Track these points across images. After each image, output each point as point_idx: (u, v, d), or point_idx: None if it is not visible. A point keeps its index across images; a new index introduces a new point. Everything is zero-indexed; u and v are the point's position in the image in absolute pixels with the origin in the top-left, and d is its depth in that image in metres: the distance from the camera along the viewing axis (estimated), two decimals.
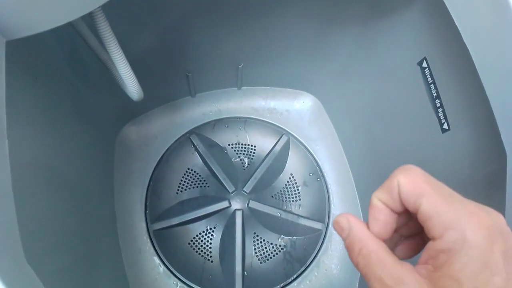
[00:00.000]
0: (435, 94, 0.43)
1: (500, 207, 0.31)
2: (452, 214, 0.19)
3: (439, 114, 0.43)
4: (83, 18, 0.29)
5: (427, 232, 0.20)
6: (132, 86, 0.38)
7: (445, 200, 0.20)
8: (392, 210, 0.22)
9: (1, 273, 0.22)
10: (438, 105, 0.43)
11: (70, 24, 0.33)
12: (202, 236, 0.66)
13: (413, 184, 0.21)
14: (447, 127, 0.42)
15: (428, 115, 0.45)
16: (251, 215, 0.67)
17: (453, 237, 0.19)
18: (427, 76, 0.44)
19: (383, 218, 0.22)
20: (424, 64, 0.44)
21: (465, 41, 0.33)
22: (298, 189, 0.71)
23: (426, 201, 0.20)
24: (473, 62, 0.33)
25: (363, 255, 0.21)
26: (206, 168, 0.71)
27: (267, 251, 0.66)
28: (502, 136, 0.30)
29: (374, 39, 0.54)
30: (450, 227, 0.19)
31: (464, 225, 0.19)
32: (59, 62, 0.48)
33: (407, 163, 0.54)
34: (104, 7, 0.32)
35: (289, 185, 0.71)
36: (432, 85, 0.44)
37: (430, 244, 0.20)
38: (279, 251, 0.66)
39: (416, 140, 0.50)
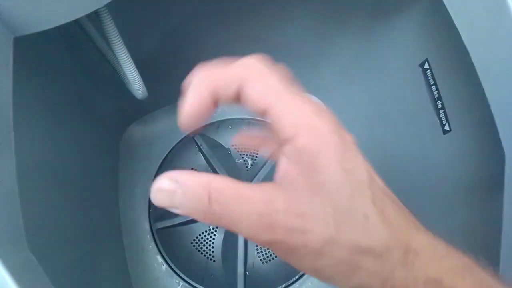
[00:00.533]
0: (436, 96, 0.44)
1: (498, 208, 0.31)
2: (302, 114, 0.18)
3: (441, 116, 0.43)
4: (89, 17, 0.30)
5: (278, 133, 0.18)
6: (136, 84, 0.39)
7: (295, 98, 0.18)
8: (216, 100, 0.19)
9: (8, 266, 0.23)
10: (440, 106, 0.43)
11: (76, 22, 0.34)
12: (205, 236, 0.66)
13: (264, 87, 0.18)
14: (448, 128, 0.42)
15: (429, 116, 0.45)
16: None
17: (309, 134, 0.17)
18: (429, 78, 0.44)
19: (204, 107, 0.19)
20: (426, 66, 0.45)
21: (465, 43, 0.34)
22: None
23: (277, 104, 0.18)
24: (474, 64, 0.33)
25: (216, 199, 0.17)
26: (209, 168, 0.71)
27: (269, 252, 0.66)
28: (500, 137, 0.30)
29: (375, 41, 0.54)
30: (302, 127, 0.18)
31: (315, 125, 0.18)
32: (65, 61, 0.48)
33: (408, 164, 0.54)
34: (110, 7, 0.33)
35: None
36: (433, 86, 0.44)
37: (287, 150, 0.18)
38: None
39: (417, 141, 0.50)
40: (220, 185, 0.17)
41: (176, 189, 0.18)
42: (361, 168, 0.18)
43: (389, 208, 0.19)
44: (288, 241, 0.17)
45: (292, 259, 0.18)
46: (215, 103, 0.19)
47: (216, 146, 0.73)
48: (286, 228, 0.17)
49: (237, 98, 0.19)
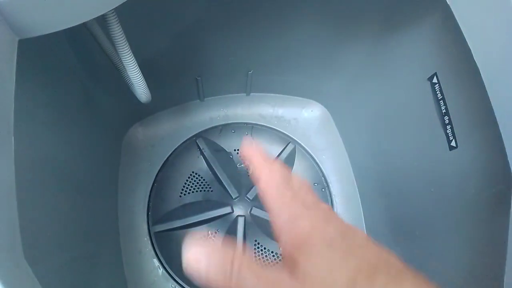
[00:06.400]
0: (444, 111, 0.43)
1: (503, 230, 0.31)
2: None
3: (448, 131, 0.43)
4: (96, 19, 0.29)
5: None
6: (140, 89, 0.38)
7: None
8: None
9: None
10: (447, 121, 0.43)
11: (83, 25, 0.33)
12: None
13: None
14: (455, 145, 0.42)
15: (436, 131, 0.44)
16: (253, 222, 0.67)
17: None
18: (437, 92, 0.44)
19: None
20: (435, 80, 0.44)
21: (475, 60, 0.33)
22: None
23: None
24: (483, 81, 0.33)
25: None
26: (210, 172, 0.71)
27: (267, 260, 0.66)
28: (508, 159, 0.30)
29: (385, 53, 0.54)
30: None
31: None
32: (70, 61, 0.48)
33: (413, 178, 0.53)
34: (118, 9, 0.32)
35: None
36: (441, 101, 0.43)
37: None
38: (280, 260, 0.66)
39: (423, 155, 0.49)
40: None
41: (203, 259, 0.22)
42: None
43: None
44: None
45: None
46: None
47: (218, 150, 0.73)
48: None
49: None
